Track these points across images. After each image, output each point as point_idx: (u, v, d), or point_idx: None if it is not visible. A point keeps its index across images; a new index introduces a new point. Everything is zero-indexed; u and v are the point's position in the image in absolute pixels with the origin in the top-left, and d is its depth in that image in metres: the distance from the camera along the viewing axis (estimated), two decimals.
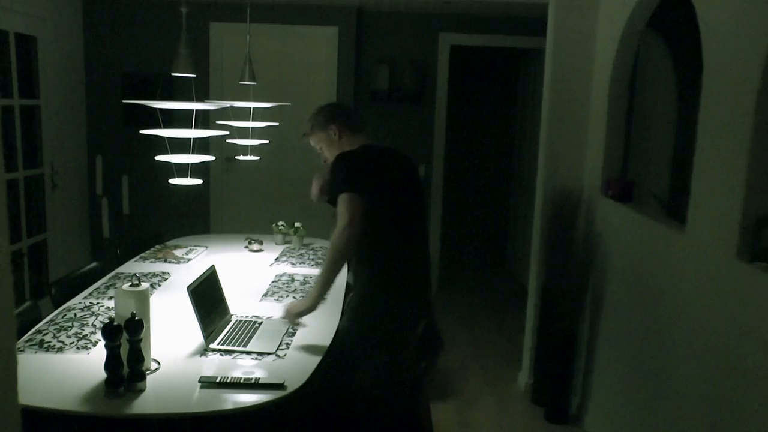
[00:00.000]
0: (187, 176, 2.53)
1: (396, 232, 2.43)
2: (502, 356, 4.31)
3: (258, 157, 3.38)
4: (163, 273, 3.13)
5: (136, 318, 1.92)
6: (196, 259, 3.41)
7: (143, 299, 2.02)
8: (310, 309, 2.37)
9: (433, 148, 5.50)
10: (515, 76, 6.50)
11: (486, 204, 7.56)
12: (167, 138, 2.36)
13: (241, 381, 1.97)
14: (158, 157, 2.35)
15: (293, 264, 3.38)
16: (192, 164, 2.51)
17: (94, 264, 3.20)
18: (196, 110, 2.48)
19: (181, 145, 2.72)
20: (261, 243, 3.67)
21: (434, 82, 5.41)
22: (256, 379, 1.98)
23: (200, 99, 2.81)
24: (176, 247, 3.65)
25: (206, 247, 3.69)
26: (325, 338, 2.37)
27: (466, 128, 7.40)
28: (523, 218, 5.94)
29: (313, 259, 3.48)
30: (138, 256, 3.42)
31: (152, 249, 3.57)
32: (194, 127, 2.45)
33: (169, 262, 3.33)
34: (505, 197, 6.86)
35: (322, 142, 2.50)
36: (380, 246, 2.38)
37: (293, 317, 2.40)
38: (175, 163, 2.39)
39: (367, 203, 2.28)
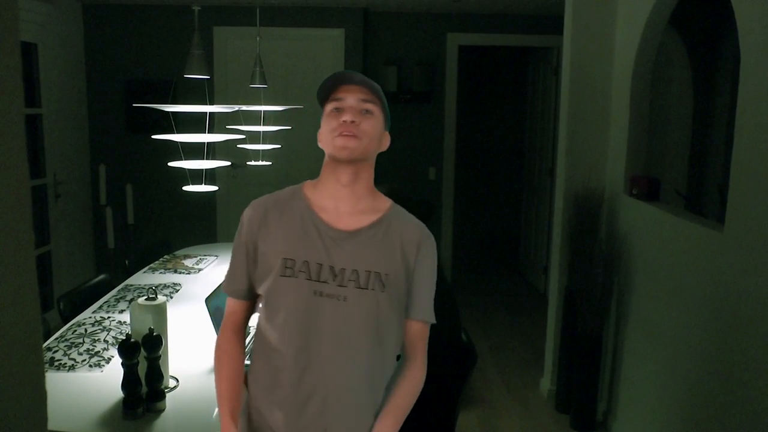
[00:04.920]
0: (197, 183, 2.42)
1: None
2: (521, 362, 4.19)
3: (270, 163, 3.27)
4: (174, 284, 3.01)
5: (155, 333, 1.81)
6: (207, 269, 3.30)
7: (161, 313, 1.91)
8: None
9: (443, 149, 5.40)
10: (524, 75, 6.40)
11: (497, 205, 7.46)
12: (180, 143, 2.26)
13: None
14: (172, 164, 2.24)
15: None
16: (198, 171, 2.39)
17: (102, 276, 3.09)
18: (205, 114, 2.38)
19: (188, 151, 2.62)
20: None
21: (443, 83, 5.32)
22: None
23: (208, 104, 2.70)
24: (186, 256, 3.54)
25: (217, 256, 3.58)
26: None
27: (476, 129, 7.31)
28: (535, 220, 5.83)
29: None
30: (147, 267, 3.31)
31: (161, 259, 3.46)
32: (207, 132, 2.34)
33: (180, 273, 3.22)
34: (516, 198, 6.75)
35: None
36: None
37: None
38: (189, 170, 2.28)
39: None
